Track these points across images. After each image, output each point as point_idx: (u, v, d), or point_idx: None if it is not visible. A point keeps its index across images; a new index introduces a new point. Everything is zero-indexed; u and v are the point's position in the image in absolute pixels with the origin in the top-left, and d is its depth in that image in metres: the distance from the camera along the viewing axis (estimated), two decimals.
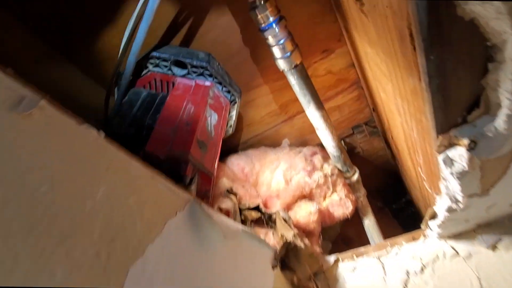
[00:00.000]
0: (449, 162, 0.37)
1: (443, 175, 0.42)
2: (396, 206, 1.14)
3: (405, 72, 0.36)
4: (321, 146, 0.87)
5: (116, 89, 0.59)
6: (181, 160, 0.41)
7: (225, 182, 0.61)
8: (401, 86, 0.41)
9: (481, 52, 0.27)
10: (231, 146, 0.90)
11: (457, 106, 0.34)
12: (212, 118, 0.52)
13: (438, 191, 0.43)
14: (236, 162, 0.74)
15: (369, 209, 0.85)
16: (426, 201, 0.66)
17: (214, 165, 0.47)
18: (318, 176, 0.72)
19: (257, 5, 0.48)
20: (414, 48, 0.29)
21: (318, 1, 0.63)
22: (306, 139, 0.93)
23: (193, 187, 0.41)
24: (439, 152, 0.41)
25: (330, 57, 0.73)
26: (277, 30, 0.50)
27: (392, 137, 0.70)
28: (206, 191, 0.47)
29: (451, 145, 0.39)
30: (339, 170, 0.77)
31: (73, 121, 0.28)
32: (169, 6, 0.59)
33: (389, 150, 0.90)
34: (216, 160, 0.49)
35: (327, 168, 0.75)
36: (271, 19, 0.49)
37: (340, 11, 0.59)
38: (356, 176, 0.78)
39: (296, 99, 0.67)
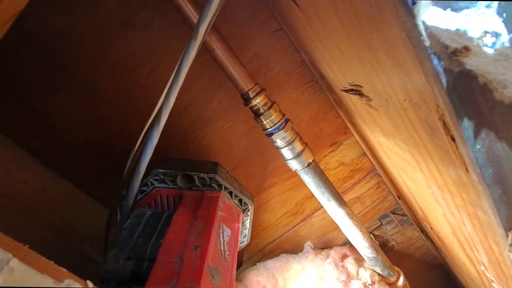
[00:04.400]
0: None
1: None
2: None
3: (442, 163, 0.31)
4: (349, 244, 0.77)
5: (118, 210, 0.55)
6: None
7: None
8: (438, 177, 0.36)
9: None
10: (246, 257, 0.79)
11: None
12: (224, 234, 0.45)
13: None
14: (256, 279, 0.62)
15: None
16: None
17: None
18: (356, 286, 0.59)
19: (262, 112, 0.48)
20: (452, 139, 0.26)
21: (318, 101, 0.65)
22: (330, 238, 0.82)
23: None
24: None
25: (339, 149, 0.71)
26: (284, 132, 0.49)
27: (431, 227, 0.61)
28: None
29: None
30: (379, 275, 0.64)
31: (50, 280, 0.22)
32: (173, 119, 0.61)
33: (429, 241, 0.78)
34: None
35: (365, 274, 0.63)
36: (277, 123, 0.48)
37: (341, 106, 0.60)
38: (401, 281, 0.65)
39: (311, 196, 0.62)
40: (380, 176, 0.76)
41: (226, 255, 0.43)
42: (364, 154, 0.72)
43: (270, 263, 0.69)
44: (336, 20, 0.30)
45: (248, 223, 0.59)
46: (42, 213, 0.56)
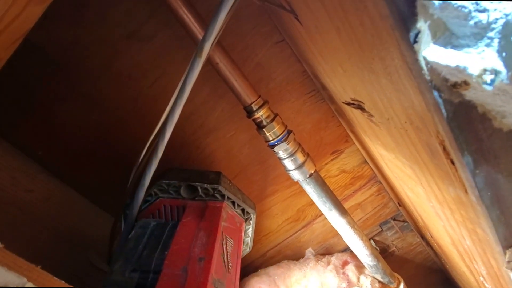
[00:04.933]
0: None
1: None
2: None
3: (442, 182, 0.32)
4: (350, 251, 0.77)
5: (123, 219, 0.56)
6: None
7: None
8: (438, 193, 0.36)
9: None
10: (247, 262, 0.80)
11: None
12: (228, 245, 0.46)
13: None
14: (258, 286, 0.63)
15: None
16: None
17: None
18: None
19: (264, 124, 0.49)
20: (452, 162, 0.26)
21: (319, 110, 0.66)
22: (330, 244, 0.83)
23: None
24: (511, 269, 0.33)
25: (340, 157, 0.72)
26: (286, 144, 0.50)
27: (431, 236, 0.62)
28: None
29: None
30: (379, 282, 0.65)
31: None
32: (175, 128, 0.62)
33: (429, 247, 0.78)
34: None
35: (366, 282, 0.63)
36: (279, 135, 0.49)
37: (343, 117, 0.60)
38: None
39: (313, 203, 0.62)
40: (380, 183, 0.76)
41: (230, 267, 0.43)
42: (365, 162, 0.73)
43: (272, 269, 0.69)
44: (338, 42, 0.31)
45: (250, 231, 0.60)
46: (48, 221, 0.57)
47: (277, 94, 0.62)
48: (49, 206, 0.59)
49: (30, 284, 0.21)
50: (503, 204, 0.27)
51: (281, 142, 0.49)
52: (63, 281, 0.25)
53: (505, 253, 0.31)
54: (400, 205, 0.75)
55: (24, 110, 0.56)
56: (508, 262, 0.32)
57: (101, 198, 0.66)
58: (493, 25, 0.17)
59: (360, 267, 0.68)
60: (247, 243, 0.61)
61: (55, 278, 0.25)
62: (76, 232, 0.62)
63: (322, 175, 0.64)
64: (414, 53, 0.20)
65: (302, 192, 0.71)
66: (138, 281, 0.39)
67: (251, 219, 0.58)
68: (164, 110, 0.44)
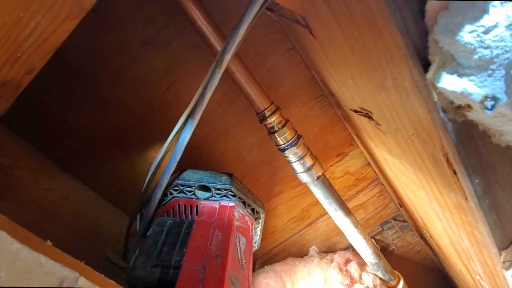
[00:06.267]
0: None
1: None
2: None
3: (444, 188, 0.35)
4: (352, 249, 0.80)
5: (138, 217, 0.58)
6: None
7: None
8: (439, 197, 0.39)
9: None
10: (254, 259, 0.83)
11: None
12: (241, 243, 0.49)
13: None
14: (265, 282, 0.66)
15: None
16: None
17: None
18: None
19: (276, 129, 0.51)
20: (454, 172, 0.29)
21: (326, 114, 0.69)
22: (333, 242, 0.86)
23: None
24: (506, 269, 0.36)
25: (345, 159, 0.75)
26: (296, 148, 0.52)
27: (431, 236, 0.65)
28: None
29: None
30: (380, 279, 0.68)
31: None
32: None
33: (427, 247, 0.82)
34: None
35: (367, 279, 0.67)
36: (290, 139, 0.52)
37: (349, 122, 0.63)
38: (401, 285, 0.69)
39: (317, 202, 0.65)
40: (383, 184, 0.79)
41: (243, 263, 0.46)
42: (369, 164, 0.76)
43: (278, 266, 0.73)
44: (351, 58, 0.34)
45: (259, 230, 0.63)
46: (67, 219, 0.60)
47: (286, 99, 0.65)
48: (67, 204, 0.62)
49: (82, 278, 0.24)
50: (499, 211, 0.30)
51: (291, 146, 0.52)
52: (102, 275, 0.28)
53: (500, 254, 0.34)
54: (401, 206, 0.78)
55: (44, 112, 0.59)
56: (503, 262, 0.35)
57: (116, 197, 0.69)
58: (495, 59, 0.20)
59: (362, 264, 0.72)
60: (256, 241, 0.64)
61: (96, 272, 0.28)
62: (93, 229, 0.64)
63: (327, 176, 0.67)
64: (425, 79, 0.22)
65: (307, 192, 0.74)
66: (160, 275, 0.42)
67: (260, 218, 0.61)
68: (178, 114, 0.47)
